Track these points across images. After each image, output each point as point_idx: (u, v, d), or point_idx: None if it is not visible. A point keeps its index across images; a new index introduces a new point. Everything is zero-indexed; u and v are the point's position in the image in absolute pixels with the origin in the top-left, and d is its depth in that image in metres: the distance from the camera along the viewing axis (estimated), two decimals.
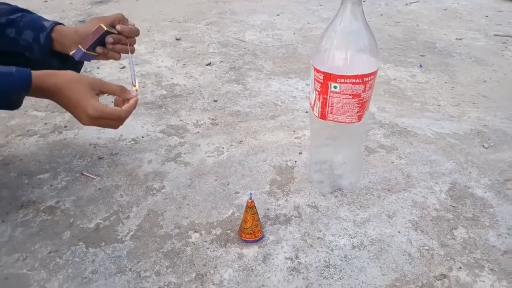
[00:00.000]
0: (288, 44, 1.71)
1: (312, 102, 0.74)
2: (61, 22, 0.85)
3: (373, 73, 0.67)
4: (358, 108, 0.69)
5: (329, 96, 0.69)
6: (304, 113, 1.15)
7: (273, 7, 2.29)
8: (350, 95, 0.67)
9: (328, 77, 0.67)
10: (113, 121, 0.74)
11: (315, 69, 0.69)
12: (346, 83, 0.66)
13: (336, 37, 0.65)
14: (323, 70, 0.67)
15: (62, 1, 2.34)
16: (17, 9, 0.82)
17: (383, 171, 0.91)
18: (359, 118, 0.71)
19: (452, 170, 0.92)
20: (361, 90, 0.67)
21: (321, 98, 0.70)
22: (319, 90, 0.69)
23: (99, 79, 0.76)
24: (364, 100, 0.69)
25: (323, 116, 0.72)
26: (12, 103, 0.70)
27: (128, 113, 0.75)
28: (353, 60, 0.66)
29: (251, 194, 0.70)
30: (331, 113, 0.71)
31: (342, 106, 0.69)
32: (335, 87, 0.67)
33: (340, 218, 0.78)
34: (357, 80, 0.66)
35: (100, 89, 0.74)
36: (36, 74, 0.68)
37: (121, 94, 0.76)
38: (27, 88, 0.67)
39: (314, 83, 0.70)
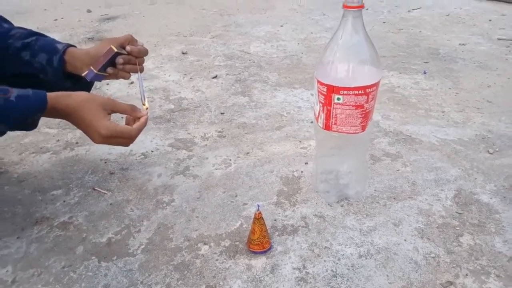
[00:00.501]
0: (293, 55, 1.73)
1: (317, 114, 0.75)
2: (70, 39, 0.89)
3: (375, 84, 0.69)
4: (361, 118, 0.71)
5: (333, 108, 0.70)
6: (309, 123, 1.17)
7: (276, 18, 2.32)
8: (353, 106, 0.69)
9: (332, 89, 0.69)
10: (124, 139, 0.77)
11: (318, 81, 0.71)
12: (349, 94, 0.68)
13: (338, 50, 0.67)
14: (326, 82, 0.69)
15: (71, 19, 2.40)
16: (32, 33, 0.85)
17: (389, 179, 0.92)
18: (363, 128, 0.73)
19: (457, 177, 0.92)
20: (364, 101, 0.69)
21: (325, 109, 0.72)
22: (323, 102, 0.71)
23: (111, 99, 0.79)
24: (367, 110, 0.71)
25: (327, 127, 0.74)
26: (29, 125, 0.73)
27: (139, 131, 0.78)
28: (355, 72, 0.68)
29: (258, 205, 0.71)
30: (335, 124, 0.72)
31: (345, 117, 0.71)
32: (338, 98, 0.69)
33: (347, 227, 0.79)
34: (360, 92, 0.68)
35: (112, 108, 0.77)
36: (51, 95, 0.71)
37: (132, 113, 0.80)
38: (43, 109, 0.71)
39: (318, 95, 0.72)
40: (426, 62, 1.59)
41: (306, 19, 2.29)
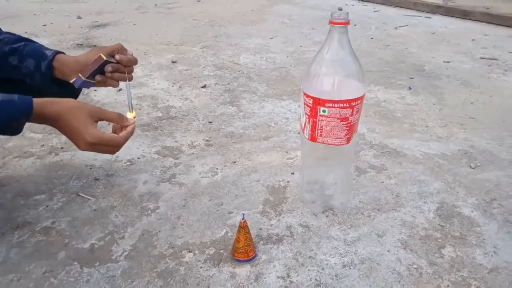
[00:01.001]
0: (281, 67, 1.75)
1: (303, 125, 0.77)
2: (59, 44, 0.88)
3: (360, 98, 0.71)
4: (346, 131, 0.72)
5: (318, 120, 0.72)
6: (296, 134, 1.18)
7: (267, 31, 2.35)
8: (338, 118, 0.71)
9: (317, 101, 0.70)
10: (110, 147, 0.77)
11: (305, 94, 0.72)
12: (334, 107, 0.69)
13: (324, 64, 0.69)
14: (312, 95, 0.70)
15: (60, 25, 2.39)
16: (20, 39, 0.85)
17: (373, 191, 0.94)
18: (348, 140, 0.74)
19: (440, 190, 0.94)
20: (348, 114, 0.70)
21: (310, 121, 0.73)
22: (309, 113, 0.72)
23: (98, 107, 0.79)
24: (352, 123, 0.72)
25: (313, 138, 0.75)
26: (14, 130, 0.73)
27: (125, 139, 0.78)
28: (340, 86, 0.69)
29: (243, 214, 0.72)
30: (321, 135, 0.73)
31: (331, 129, 0.72)
32: (324, 111, 0.70)
33: (331, 238, 0.80)
34: (345, 105, 0.69)
35: (99, 116, 0.76)
36: (38, 101, 0.71)
37: (119, 122, 0.80)
38: (28, 115, 0.70)
39: (304, 107, 0.74)
40: (411, 78, 1.63)
41: (296, 32, 2.33)
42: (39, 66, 0.82)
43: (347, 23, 0.67)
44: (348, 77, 0.69)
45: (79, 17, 2.64)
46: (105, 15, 2.77)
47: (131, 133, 0.80)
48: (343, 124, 0.71)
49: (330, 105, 0.69)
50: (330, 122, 0.71)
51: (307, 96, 0.71)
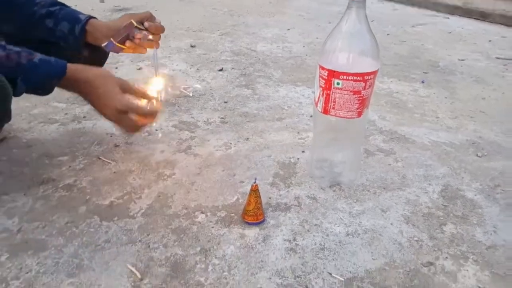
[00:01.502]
0: (297, 56, 1.79)
1: (316, 99, 0.80)
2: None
3: (373, 73, 0.74)
4: (358, 104, 0.76)
5: (332, 92, 0.75)
6: (309, 117, 1.22)
7: (284, 23, 2.39)
8: (351, 91, 0.74)
9: (332, 74, 0.74)
10: (136, 119, 0.78)
11: (320, 66, 0.76)
12: (348, 80, 0.73)
13: (341, 38, 0.72)
14: (327, 67, 0.74)
15: (83, 8, 2.45)
16: (55, 2, 0.90)
17: (380, 171, 0.97)
18: (359, 114, 0.78)
19: (445, 174, 0.97)
20: (361, 88, 0.74)
21: (324, 94, 0.77)
22: (323, 86, 0.76)
23: (127, 80, 0.81)
24: (364, 97, 0.76)
25: (325, 111, 0.79)
26: (46, 88, 0.78)
27: (153, 113, 0.80)
28: (355, 59, 0.73)
29: (255, 179, 0.76)
30: (333, 108, 0.77)
31: (343, 101, 0.75)
32: (338, 83, 0.74)
33: (337, 209, 0.83)
34: (358, 78, 0.73)
35: (127, 88, 0.78)
36: (71, 66, 0.75)
37: (145, 97, 0.82)
38: (61, 75, 0.74)
39: (319, 80, 0.77)
40: (425, 73, 1.65)
41: (313, 25, 2.36)
42: (73, 29, 0.87)
43: None
44: (363, 51, 0.73)
45: (101, 1, 2.71)
46: (127, 0, 2.83)
47: (159, 110, 0.82)
48: (355, 97, 0.74)
49: (344, 77, 0.72)
50: (343, 95, 0.74)
51: (323, 68, 0.75)
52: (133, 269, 0.67)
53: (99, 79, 0.76)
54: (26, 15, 0.87)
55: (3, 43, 0.71)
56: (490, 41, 2.19)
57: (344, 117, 0.78)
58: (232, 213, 0.81)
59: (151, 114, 0.80)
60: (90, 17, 0.89)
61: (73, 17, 0.88)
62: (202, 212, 0.81)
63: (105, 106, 0.76)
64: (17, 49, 0.70)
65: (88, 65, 0.78)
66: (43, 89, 0.78)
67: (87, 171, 0.92)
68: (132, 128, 0.80)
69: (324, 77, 0.75)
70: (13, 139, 1.03)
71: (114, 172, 0.92)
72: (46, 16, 0.87)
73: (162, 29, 0.90)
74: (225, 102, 1.31)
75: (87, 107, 1.22)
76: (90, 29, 0.88)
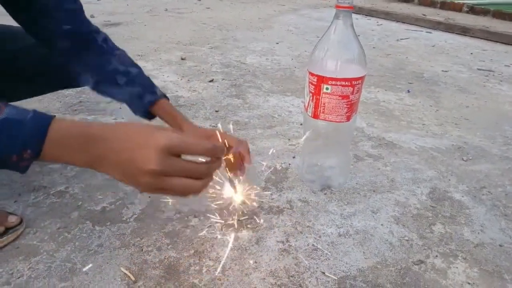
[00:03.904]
0: (286, 68, 1.82)
1: (306, 104, 0.82)
2: None
3: (361, 78, 0.77)
4: (347, 108, 0.78)
5: (321, 97, 0.78)
6: (298, 125, 1.24)
7: (273, 37, 2.44)
8: (340, 96, 0.76)
9: (321, 79, 0.76)
10: (197, 164, 0.49)
11: (310, 73, 0.78)
12: (337, 85, 0.75)
13: (329, 45, 0.75)
14: (316, 73, 0.76)
15: None
16: (135, 64, 0.84)
17: (370, 175, 0.99)
18: (348, 118, 0.80)
19: (433, 177, 0.99)
20: (349, 92, 0.76)
21: (314, 99, 0.79)
22: (313, 91, 0.78)
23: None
24: (352, 101, 0.78)
25: (315, 115, 0.81)
26: (10, 165, 0.46)
27: (220, 150, 0.51)
28: (343, 65, 0.75)
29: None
30: (323, 112, 0.79)
31: (332, 106, 0.78)
32: (327, 88, 0.76)
33: (329, 212, 0.85)
34: (347, 83, 0.75)
35: (181, 149, 0.47)
36: (62, 123, 0.46)
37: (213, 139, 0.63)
38: (40, 139, 0.45)
39: (309, 86, 0.80)
40: (410, 83, 1.70)
41: (301, 39, 2.41)
42: (142, 97, 0.80)
43: (351, 7, 0.73)
44: (351, 58, 0.75)
45: (92, 16, 2.73)
46: (117, 15, 2.86)
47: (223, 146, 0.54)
48: (344, 102, 0.77)
49: (333, 82, 0.75)
50: (332, 100, 0.77)
51: (312, 74, 0.77)
52: (127, 272, 0.66)
53: (124, 123, 0.49)
54: (99, 60, 0.80)
55: None
56: (471, 53, 2.27)
57: (333, 121, 0.80)
58: (225, 217, 0.81)
59: (208, 172, 0.51)
60: (165, 96, 0.83)
61: (148, 86, 0.81)
62: (195, 217, 0.81)
63: (142, 155, 0.45)
64: None
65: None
66: (8, 166, 0.47)
67: (79, 178, 0.92)
68: (182, 190, 0.48)
69: (314, 82, 0.77)
70: None
71: (106, 179, 0.92)
72: (122, 73, 0.80)
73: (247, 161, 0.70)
74: (216, 111, 1.32)
75: (79, 117, 1.22)
76: (158, 108, 0.80)
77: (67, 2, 0.78)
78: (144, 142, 0.45)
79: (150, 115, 0.83)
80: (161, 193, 0.48)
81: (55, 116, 0.46)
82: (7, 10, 0.76)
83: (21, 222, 0.75)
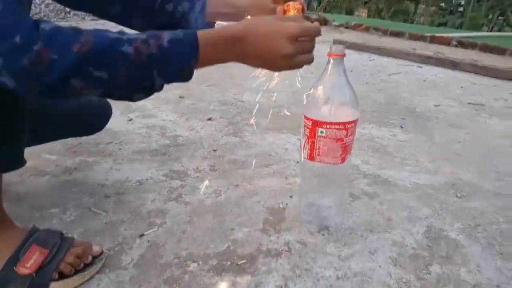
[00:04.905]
0: (282, 105, 1.87)
1: (302, 146, 0.85)
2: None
3: (354, 121, 0.80)
4: (341, 151, 0.81)
5: (317, 140, 0.80)
6: (295, 163, 1.26)
7: (268, 74, 2.50)
8: (334, 139, 0.79)
9: (316, 123, 0.79)
10: (311, 41, 0.66)
11: (305, 117, 0.82)
12: (331, 128, 0.78)
13: (323, 90, 0.79)
14: (311, 117, 0.79)
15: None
16: None
17: (366, 214, 1.00)
18: (343, 160, 0.82)
19: (428, 215, 1.01)
20: (343, 135, 0.79)
21: (309, 141, 0.82)
22: (308, 134, 0.81)
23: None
24: (346, 144, 0.81)
25: (311, 157, 0.83)
26: (185, 76, 0.64)
27: (320, 27, 0.67)
28: (337, 110, 0.79)
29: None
30: (318, 155, 0.82)
31: (327, 148, 0.80)
32: (321, 132, 0.79)
33: (327, 253, 0.85)
34: (340, 127, 0.78)
35: (282, 18, 0.68)
36: (203, 36, 0.62)
37: (301, 21, 0.68)
38: (196, 55, 0.61)
39: (304, 129, 0.83)
40: (403, 118, 1.74)
41: (296, 76, 2.47)
42: (193, 7, 0.84)
43: (343, 55, 0.78)
44: (344, 102, 0.79)
45: None
46: None
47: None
48: (338, 145, 0.80)
49: (327, 126, 0.78)
50: (327, 142, 0.79)
51: (307, 118, 0.80)
52: None
53: (254, 20, 0.65)
54: (148, 5, 0.85)
55: (120, 31, 0.59)
56: (461, 87, 2.34)
57: (329, 163, 0.82)
58: (223, 261, 0.82)
59: (319, 29, 0.66)
60: None
61: None
62: (194, 261, 0.82)
63: (278, 43, 0.62)
64: (143, 36, 0.59)
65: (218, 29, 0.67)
66: (182, 78, 0.63)
67: (78, 223, 0.92)
68: (311, 53, 0.67)
69: (309, 126, 0.80)
70: (4, 193, 1.03)
71: (105, 223, 0.93)
72: (167, 1, 0.84)
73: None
74: (214, 150, 1.35)
75: (79, 158, 1.24)
76: (210, 5, 0.84)
77: None
78: (275, 34, 0.61)
79: (209, 27, 0.85)
80: (290, 69, 0.67)
81: (195, 30, 0.62)
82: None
83: (102, 252, 0.80)
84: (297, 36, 0.62)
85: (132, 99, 0.63)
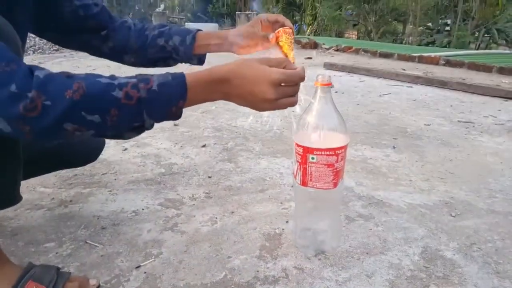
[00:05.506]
0: (275, 129, 1.90)
1: (295, 172, 0.87)
2: None
3: (344, 147, 0.82)
4: (333, 176, 0.82)
5: (308, 166, 0.82)
6: (290, 187, 1.27)
7: None
8: (325, 165, 0.81)
9: (307, 150, 0.81)
10: (294, 86, 0.69)
11: (296, 144, 0.83)
12: (322, 154, 0.80)
13: (312, 118, 0.81)
14: (302, 144, 0.81)
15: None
16: (165, 24, 0.98)
17: (362, 236, 1.01)
18: (335, 185, 0.84)
19: (424, 236, 1.02)
20: (334, 161, 0.81)
21: (301, 167, 0.83)
22: (300, 161, 0.83)
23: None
24: (337, 169, 0.82)
25: (304, 183, 0.84)
26: (175, 115, 0.67)
27: (304, 72, 0.70)
28: (326, 136, 0.81)
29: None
30: (311, 180, 0.83)
31: (319, 174, 0.82)
32: (312, 158, 0.81)
33: (324, 278, 0.85)
34: (331, 153, 0.80)
35: (268, 62, 0.69)
36: (191, 77, 0.65)
37: (288, 65, 0.71)
38: (185, 95, 0.64)
39: (296, 155, 0.84)
40: (395, 139, 1.77)
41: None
42: (184, 40, 0.92)
43: (330, 84, 0.80)
44: (333, 128, 0.81)
45: None
46: None
47: (303, 68, 0.71)
48: (330, 170, 0.81)
49: (318, 153, 0.79)
50: (318, 168, 0.81)
51: (298, 145, 0.82)
52: None
53: (240, 65, 0.67)
54: (140, 42, 0.94)
55: (111, 76, 0.63)
56: (451, 106, 2.39)
57: (321, 188, 0.83)
58: None
59: (303, 72, 0.70)
60: (199, 30, 0.96)
61: (183, 30, 0.95)
62: None
63: (260, 88, 0.65)
64: (133, 80, 0.62)
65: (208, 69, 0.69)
66: (171, 117, 0.67)
67: (74, 256, 0.92)
68: (294, 97, 0.70)
69: (300, 153, 0.82)
70: None
71: (102, 255, 0.93)
72: (158, 36, 0.93)
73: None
74: (209, 177, 1.36)
75: (74, 190, 1.25)
76: (200, 37, 0.93)
77: (91, 7, 0.91)
78: (258, 78, 0.65)
79: (200, 58, 0.98)
80: (274, 110, 0.69)
81: (183, 72, 0.65)
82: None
83: (99, 285, 0.81)
84: (280, 82, 0.66)
85: (123, 137, 0.67)
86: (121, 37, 0.95)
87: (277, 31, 0.88)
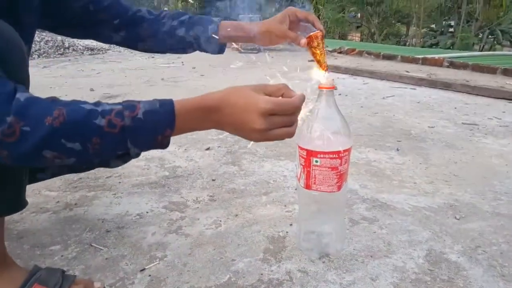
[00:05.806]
0: None
1: (299, 175, 0.87)
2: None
3: (347, 150, 0.82)
4: (336, 179, 0.82)
5: (312, 169, 0.82)
6: (293, 190, 1.27)
7: None
8: (329, 168, 0.81)
9: (310, 153, 0.81)
10: (288, 116, 0.64)
11: (299, 147, 0.84)
12: (325, 158, 0.80)
13: (315, 121, 0.81)
14: (306, 147, 0.81)
15: (74, 96, 2.59)
16: (184, 13, 0.97)
17: (366, 239, 1.01)
18: (338, 188, 0.84)
19: (428, 239, 1.01)
20: (338, 164, 0.81)
21: (305, 171, 0.83)
22: (303, 164, 0.83)
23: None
24: (341, 172, 0.82)
25: (307, 186, 0.85)
26: (161, 144, 0.64)
27: (301, 102, 0.66)
28: (330, 139, 0.81)
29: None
30: (314, 183, 0.83)
31: (323, 177, 0.82)
32: (316, 161, 0.81)
33: (328, 281, 0.85)
34: (334, 156, 0.80)
35: (264, 90, 0.66)
36: (181, 105, 0.62)
37: (286, 92, 0.68)
38: (172, 124, 0.62)
39: (299, 158, 0.84)
40: (399, 141, 1.77)
41: None
42: (206, 30, 0.92)
43: (333, 87, 0.80)
44: (336, 131, 0.81)
45: (92, 90, 2.86)
46: (116, 87, 3.00)
47: (303, 97, 0.67)
48: (333, 173, 0.81)
49: (322, 156, 0.80)
50: (322, 171, 0.81)
51: (301, 148, 0.82)
52: None
53: (231, 92, 0.64)
54: (154, 30, 0.94)
55: (96, 103, 0.61)
56: (455, 108, 2.38)
57: (325, 191, 0.83)
58: None
59: (300, 102, 0.66)
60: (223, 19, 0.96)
61: (205, 20, 0.94)
62: None
63: (249, 117, 0.62)
64: (118, 107, 0.60)
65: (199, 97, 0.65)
66: (158, 146, 0.64)
67: (79, 259, 0.93)
68: (290, 127, 0.66)
69: (304, 156, 0.82)
70: (4, 232, 1.04)
71: (106, 258, 0.93)
72: (177, 27, 0.93)
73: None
74: (213, 180, 1.36)
75: (79, 194, 1.25)
76: (224, 28, 0.92)
77: (102, 1, 0.91)
78: (248, 107, 0.61)
79: (221, 48, 0.96)
80: (266, 141, 0.65)
81: (172, 99, 0.63)
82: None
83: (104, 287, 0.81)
84: (269, 113, 0.61)
85: (110, 166, 0.66)
86: (134, 26, 0.95)
87: (308, 35, 0.86)
